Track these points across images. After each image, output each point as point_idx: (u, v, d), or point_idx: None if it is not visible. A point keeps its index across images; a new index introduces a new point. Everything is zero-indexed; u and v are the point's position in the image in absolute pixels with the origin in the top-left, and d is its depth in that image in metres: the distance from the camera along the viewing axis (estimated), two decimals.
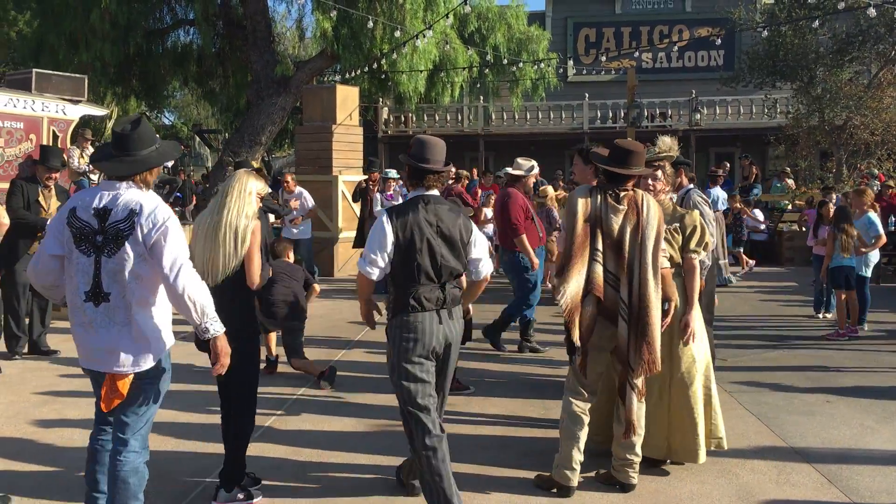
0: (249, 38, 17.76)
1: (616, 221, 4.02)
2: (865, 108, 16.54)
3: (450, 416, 5.54)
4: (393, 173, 11.93)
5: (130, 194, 3.29)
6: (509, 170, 7.75)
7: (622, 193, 4.07)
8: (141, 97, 21.62)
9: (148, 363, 3.27)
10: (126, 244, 3.21)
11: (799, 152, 18.32)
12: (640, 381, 4.07)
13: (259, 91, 17.58)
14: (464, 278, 4.06)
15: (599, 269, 4.01)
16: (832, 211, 9.62)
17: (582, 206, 4.06)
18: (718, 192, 12.32)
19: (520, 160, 7.58)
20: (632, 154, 4.10)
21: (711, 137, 23.57)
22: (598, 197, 4.08)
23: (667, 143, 4.70)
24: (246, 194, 4.08)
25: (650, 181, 4.47)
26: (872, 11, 11.50)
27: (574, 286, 4.01)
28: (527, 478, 4.40)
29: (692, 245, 4.44)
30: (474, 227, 3.98)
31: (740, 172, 19.61)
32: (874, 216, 9.03)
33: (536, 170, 7.60)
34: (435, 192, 3.94)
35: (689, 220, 4.48)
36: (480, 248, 3.94)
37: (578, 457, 4.13)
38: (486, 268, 3.97)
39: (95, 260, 3.23)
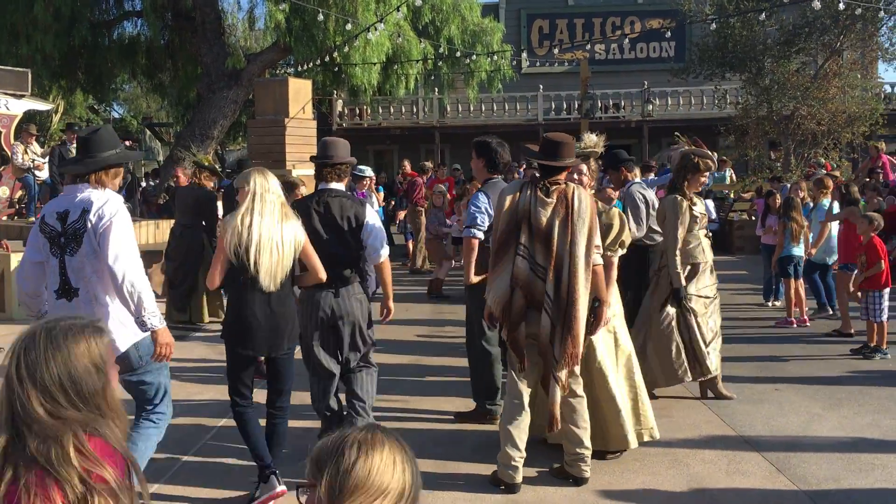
0: (199, 29, 17.47)
1: (544, 214, 4.05)
2: (812, 98, 16.88)
3: (404, 412, 5.53)
4: (368, 171, 11.69)
5: (86, 194, 3.54)
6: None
7: (552, 187, 4.11)
8: (87, 90, 21.13)
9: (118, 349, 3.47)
10: (83, 241, 3.45)
11: (748, 142, 18.63)
12: (563, 374, 4.10)
13: (210, 84, 17.32)
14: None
15: (522, 263, 4.07)
16: (779, 200, 9.79)
17: (508, 202, 4.11)
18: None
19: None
20: (561, 146, 4.16)
21: (664, 128, 23.81)
22: (528, 191, 4.11)
23: (591, 140, 4.81)
24: (281, 196, 4.07)
25: (574, 175, 4.54)
26: (817, 3, 11.72)
27: (501, 284, 4.12)
28: (479, 473, 4.41)
29: (607, 243, 4.53)
30: (369, 216, 4.50)
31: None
32: (826, 202, 9.12)
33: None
34: (335, 185, 4.57)
35: (606, 218, 4.58)
36: (373, 235, 4.49)
37: (518, 454, 4.13)
38: (381, 253, 4.53)
39: (61, 260, 3.50)
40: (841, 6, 12.77)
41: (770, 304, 9.70)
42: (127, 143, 13.62)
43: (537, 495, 4.17)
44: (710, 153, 6.10)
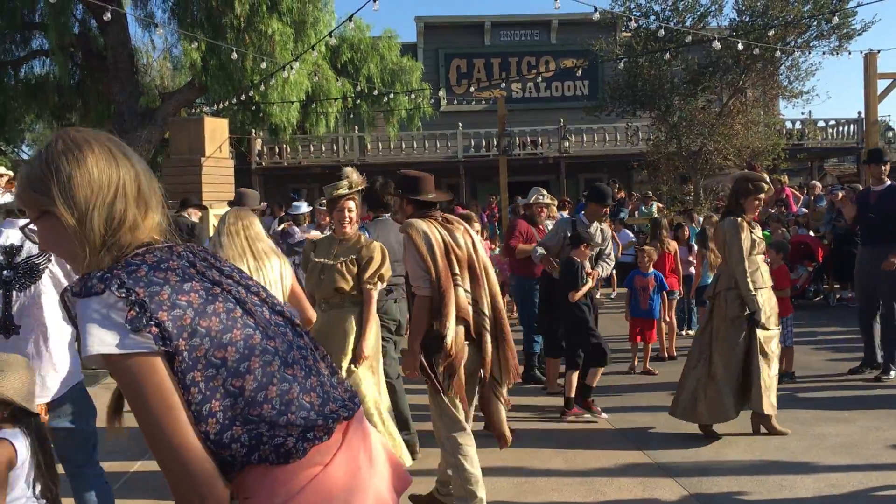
0: (111, 69, 17.13)
1: (462, 241, 4.11)
2: (718, 134, 17.61)
3: None
4: (304, 206, 11.51)
5: None
6: (520, 199, 8.22)
7: (442, 217, 4.23)
8: None
9: (57, 393, 3.34)
10: (44, 277, 3.34)
11: (660, 177, 19.26)
12: (505, 390, 4.18)
13: (122, 124, 16.94)
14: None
15: (462, 292, 4.05)
16: (687, 233, 10.15)
17: (436, 238, 4.02)
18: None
19: (537, 190, 8.05)
20: (422, 180, 4.28)
21: (580, 164, 24.48)
22: (435, 225, 4.11)
23: (355, 179, 4.76)
24: (261, 233, 3.97)
25: (343, 212, 4.69)
26: (717, 44, 12.29)
27: (454, 322, 3.92)
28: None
29: (367, 276, 4.57)
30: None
31: None
32: None
33: (545, 200, 8.01)
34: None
35: (366, 251, 4.62)
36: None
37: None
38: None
39: (4, 294, 3.33)
40: (740, 47, 13.42)
41: (684, 332, 9.97)
42: None
43: None
44: (764, 176, 6.06)
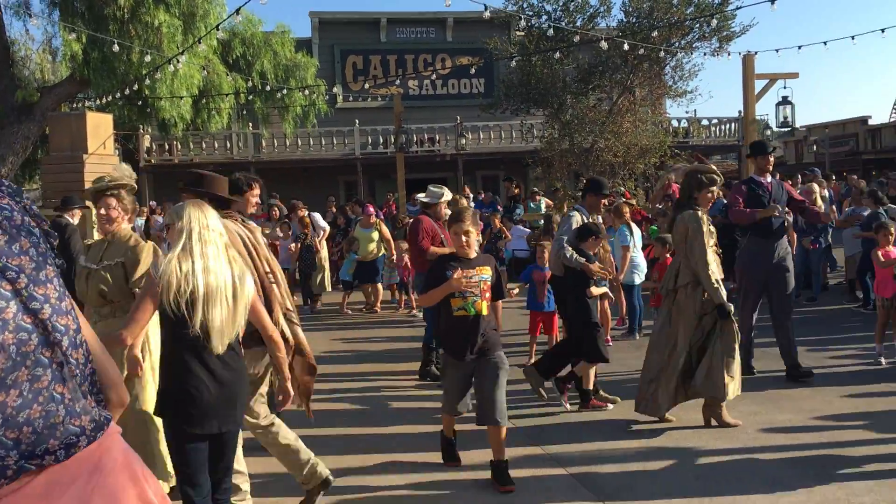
0: None
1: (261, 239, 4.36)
2: (608, 132, 18.09)
3: None
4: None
5: None
6: (421, 197, 8.08)
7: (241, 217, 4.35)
8: None
9: None
10: None
11: (554, 174, 19.66)
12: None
13: None
14: None
15: (276, 291, 4.25)
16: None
17: (245, 238, 4.18)
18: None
19: (432, 188, 7.97)
20: (218, 180, 4.33)
21: (477, 161, 24.75)
22: (238, 225, 4.22)
23: (122, 171, 4.51)
24: (225, 235, 3.40)
25: (102, 210, 4.34)
26: (604, 44, 12.64)
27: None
28: None
29: (134, 279, 4.23)
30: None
31: (504, 194, 20.71)
32: (625, 228, 9.72)
33: (447, 197, 7.93)
34: None
35: (132, 253, 4.29)
36: None
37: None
38: None
39: None
40: (626, 47, 13.83)
41: None
42: None
43: None
44: (714, 168, 6.02)
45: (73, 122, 13.49)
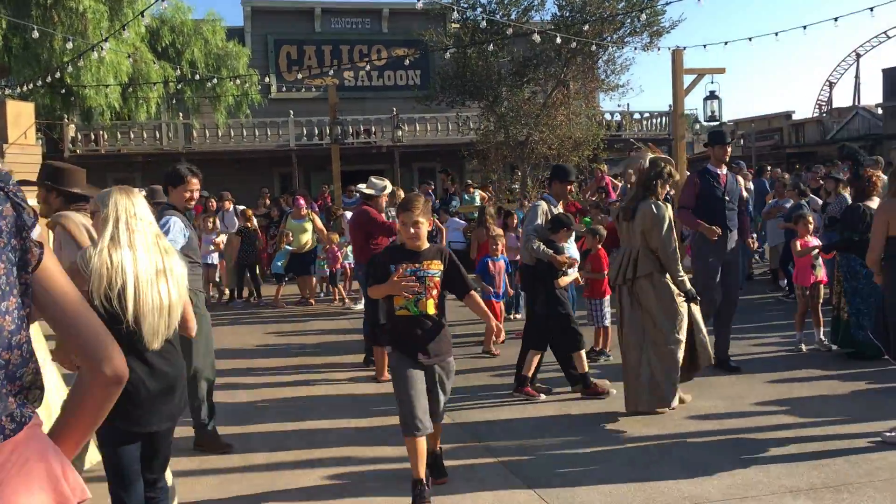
0: None
1: None
2: (542, 125, 18.28)
3: None
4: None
5: None
6: (363, 188, 7.89)
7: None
8: None
9: None
10: None
11: (490, 166, 19.76)
12: None
13: None
14: None
15: None
16: (515, 220, 10.48)
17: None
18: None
19: (374, 179, 7.85)
20: (73, 172, 4.28)
21: (414, 153, 24.69)
22: (89, 218, 4.17)
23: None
24: (154, 223, 3.24)
25: None
26: (537, 38, 12.76)
27: None
28: None
29: None
30: None
31: (440, 186, 20.71)
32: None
33: (389, 189, 7.94)
34: None
35: None
36: None
37: None
38: None
39: None
40: (558, 40, 13.97)
41: (512, 316, 10.28)
42: None
43: None
44: (671, 159, 5.97)
45: None
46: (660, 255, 5.52)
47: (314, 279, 12.47)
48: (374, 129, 24.22)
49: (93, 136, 22.37)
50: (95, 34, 14.62)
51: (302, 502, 4.39)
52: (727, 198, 6.90)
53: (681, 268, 5.55)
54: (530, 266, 6.52)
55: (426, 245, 4.29)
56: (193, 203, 5.20)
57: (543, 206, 6.63)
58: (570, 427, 5.59)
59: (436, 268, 4.23)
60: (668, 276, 5.55)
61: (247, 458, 5.09)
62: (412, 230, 4.19)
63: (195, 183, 5.05)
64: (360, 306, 10.47)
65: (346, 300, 11.89)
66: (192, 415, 5.16)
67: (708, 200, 6.88)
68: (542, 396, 6.37)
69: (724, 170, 7.03)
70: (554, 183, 6.85)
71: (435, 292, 4.23)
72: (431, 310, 4.21)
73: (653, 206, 5.51)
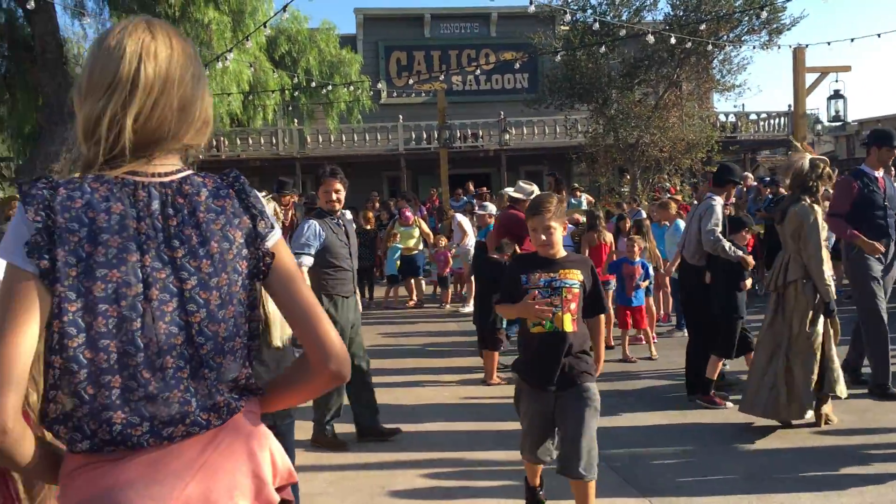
0: (38, 59, 16.56)
1: None
2: (654, 127, 17.91)
3: None
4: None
5: None
6: (510, 191, 7.66)
7: None
8: None
9: None
10: None
11: (598, 169, 19.52)
12: None
13: (51, 116, 16.40)
14: None
15: None
16: (628, 224, 10.31)
17: None
18: None
19: (522, 184, 7.58)
20: None
21: (520, 156, 24.67)
22: None
23: None
24: None
25: None
26: (651, 38, 12.52)
27: None
28: None
29: None
30: None
31: (547, 189, 20.60)
32: (680, 224, 9.58)
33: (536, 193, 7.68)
34: None
35: None
36: None
37: None
38: None
39: None
40: (673, 41, 13.66)
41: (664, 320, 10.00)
42: None
43: None
44: (826, 159, 5.66)
45: None
46: (803, 257, 5.28)
47: (423, 281, 12.65)
48: (481, 133, 24.33)
49: (214, 143, 23.44)
50: (220, 45, 15.31)
51: (418, 500, 4.47)
52: (887, 204, 6.23)
53: (827, 274, 5.22)
54: (696, 267, 6.29)
55: (562, 252, 3.79)
56: (336, 204, 5.19)
57: (720, 204, 6.26)
58: (684, 436, 5.46)
59: (574, 278, 3.70)
60: (812, 282, 5.26)
61: (361, 457, 5.22)
62: (543, 236, 3.71)
63: (332, 182, 5.12)
64: (469, 309, 10.56)
65: (449, 304, 12.03)
66: (315, 411, 5.33)
67: (866, 207, 6.20)
68: (729, 404, 6.06)
69: (881, 172, 6.36)
70: (874, 149, 6.23)
71: (573, 306, 3.68)
72: (568, 326, 3.66)
73: (800, 208, 5.25)
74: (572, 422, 3.63)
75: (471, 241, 11.07)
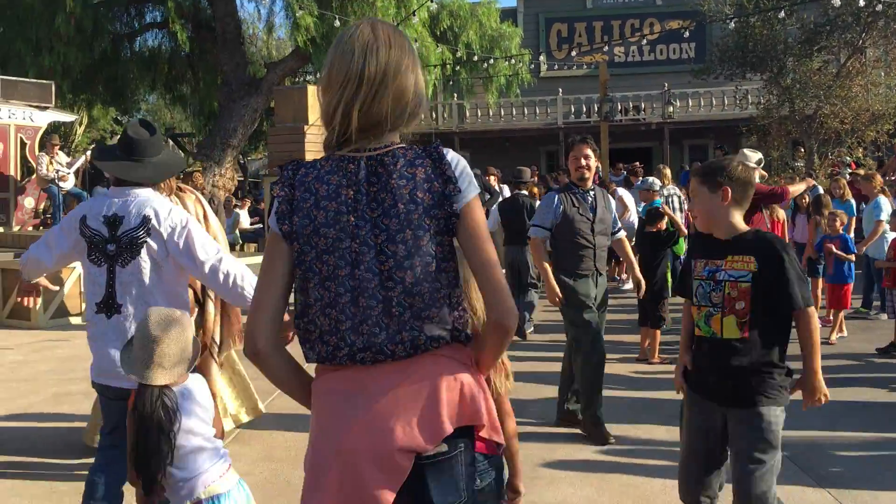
0: (219, 40, 17.65)
1: (192, 208, 4.30)
2: (834, 97, 16.68)
3: None
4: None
5: (142, 200, 3.13)
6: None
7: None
8: (108, 103, 21.42)
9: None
10: (143, 252, 3.05)
11: (771, 143, 18.46)
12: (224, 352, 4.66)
13: (230, 93, 17.47)
14: None
15: None
16: (806, 200, 9.69)
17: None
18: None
19: (747, 152, 7.09)
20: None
21: (685, 130, 23.70)
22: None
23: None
24: None
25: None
26: (837, 1, 11.58)
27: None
28: None
29: None
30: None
31: None
32: (884, 201, 8.90)
33: (762, 161, 7.28)
34: None
35: None
36: None
37: None
38: None
39: (108, 269, 3.07)
40: (861, 3, 12.61)
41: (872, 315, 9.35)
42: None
43: None
44: None
45: (296, 95, 14.41)
46: None
47: None
48: (643, 106, 23.58)
49: None
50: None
51: (579, 472, 4.44)
52: None
53: None
54: None
55: (741, 230, 2.90)
56: (587, 172, 4.96)
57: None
58: (868, 422, 5.08)
59: (744, 267, 2.81)
60: None
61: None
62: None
63: (580, 148, 4.94)
64: (629, 285, 10.28)
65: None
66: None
67: None
68: None
69: None
70: None
71: (740, 306, 2.80)
72: (732, 332, 2.82)
73: None
74: (742, 455, 2.80)
75: (632, 215, 10.79)
